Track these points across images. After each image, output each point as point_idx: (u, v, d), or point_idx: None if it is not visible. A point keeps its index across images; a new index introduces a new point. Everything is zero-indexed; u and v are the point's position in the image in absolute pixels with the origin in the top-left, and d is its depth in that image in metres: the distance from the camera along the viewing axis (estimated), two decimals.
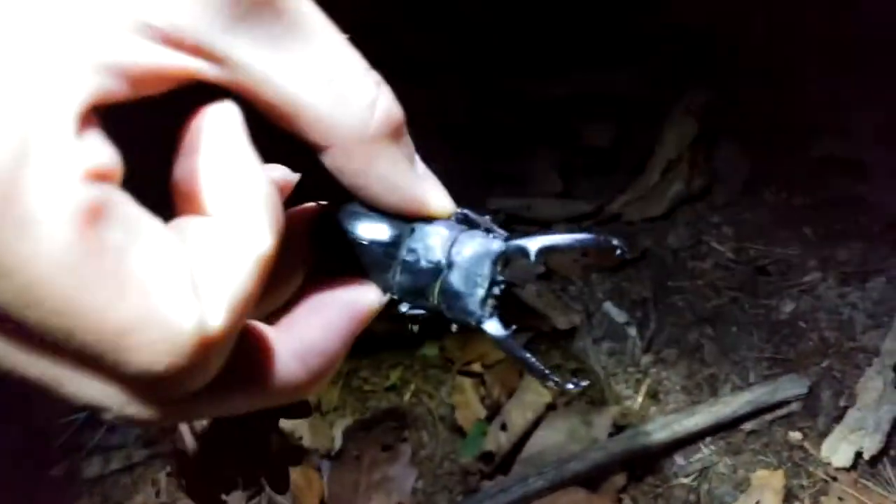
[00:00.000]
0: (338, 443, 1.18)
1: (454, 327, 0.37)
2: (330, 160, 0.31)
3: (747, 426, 1.18)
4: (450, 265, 0.35)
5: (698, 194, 1.49)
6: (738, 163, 1.51)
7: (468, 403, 1.23)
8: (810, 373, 1.22)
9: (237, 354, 0.25)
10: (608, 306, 1.33)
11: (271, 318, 0.31)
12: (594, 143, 1.53)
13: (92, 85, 0.21)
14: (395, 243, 0.35)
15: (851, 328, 1.27)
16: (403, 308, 0.36)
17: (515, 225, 1.42)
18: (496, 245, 0.36)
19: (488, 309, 0.35)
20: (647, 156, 1.51)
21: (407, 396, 1.26)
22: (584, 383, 0.39)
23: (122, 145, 0.22)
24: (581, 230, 0.37)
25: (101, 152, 0.20)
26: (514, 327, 0.36)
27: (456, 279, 0.35)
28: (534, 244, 0.36)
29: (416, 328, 0.37)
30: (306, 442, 1.17)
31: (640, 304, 1.35)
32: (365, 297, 0.33)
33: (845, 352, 1.25)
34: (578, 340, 1.30)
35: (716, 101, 1.51)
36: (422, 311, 0.36)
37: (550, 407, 1.19)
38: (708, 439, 1.18)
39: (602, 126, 1.54)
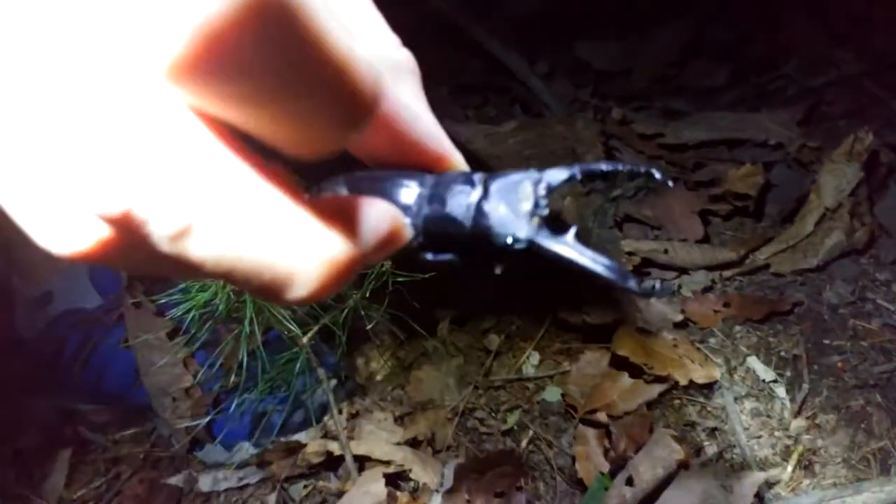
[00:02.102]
0: (448, 482, 1.12)
1: (498, 269, 0.32)
2: (388, 110, 0.30)
3: None
4: (486, 192, 0.31)
5: (861, 248, 1.33)
6: None
7: (590, 455, 1.13)
8: None
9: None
10: (753, 361, 1.20)
11: None
12: (737, 189, 1.42)
13: None
14: (419, 182, 0.32)
15: None
16: (429, 255, 0.33)
17: (650, 269, 1.33)
18: (533, 171, 0.32)
19: (535, 224, 0.30)
20: (798, 204, 1.38)
21: (524, 443, 1.18)
22: (674, 284, 0.32)
23: None
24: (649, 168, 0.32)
25: None
26: (573, 229, 0.30)
27: (496, 202, 0.31)
28: (575, 167, 0.32)
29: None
30: (415, 476, 1.12)
31: (791, 361, 1.20)
32: (392, 207, 0.30)
33: None
34: (718, 397, 1.17)
35: (884, 143, 1.36)
36: (450, 256, 0.33)
37: (683, 465, 1.06)
38: None
39: (746, 171, 1.43)
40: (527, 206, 0.30)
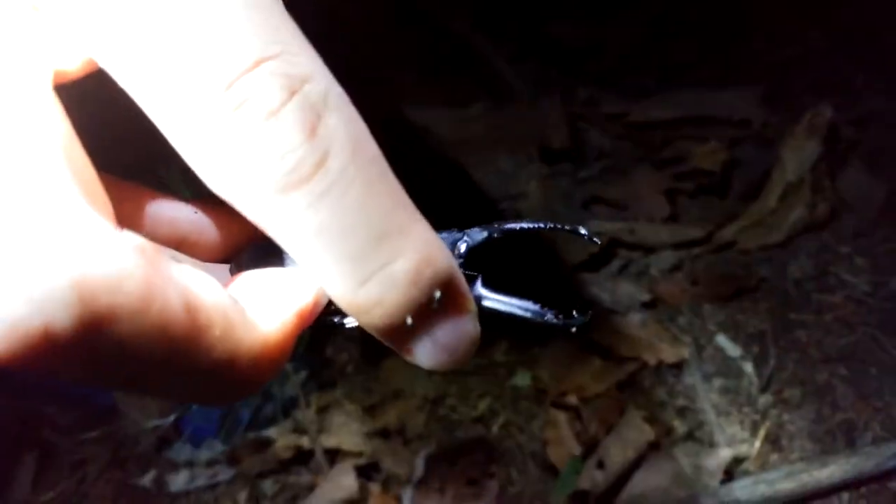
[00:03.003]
0: (419, 471, 1.11)
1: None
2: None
3: (895, 485, 1.02)
4: None
5: (823, 222, 1.34)
6: (870, 187, 1.35)
7: (561, 439, 1.13)
8: None
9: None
10: (721, 339, 1.21)
11: None
12: (703, 166, 1.42)
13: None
14: None
15: None
16: (346, 321, 0.31)
17: (617, 249, 1.32)
18: (455, 232, 0.32)
19: None
20: (762, 180, 1.39)
21: (495, 428, 1.18)
22: (587, 316, 0.31)
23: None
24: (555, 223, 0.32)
25: None
26: (478, 278, 0.30)
27: None
28: (494, 229, 0.33)
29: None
30: (386, 467, 1.11)
31: (758, 337, 1.21)
32: (310, 286, 0.27)
33: None
34: (687, 376, 1.18)
35: (847, 118, 1.37)
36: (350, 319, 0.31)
37: (654, 446, 1.07)
38: (846, 495, 1.02)
39: (711, 148, 1.43)
40: None
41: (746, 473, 1.05)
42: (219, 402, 0.23)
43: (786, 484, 0.99)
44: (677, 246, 1.33)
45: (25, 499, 1.17)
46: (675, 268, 1.31)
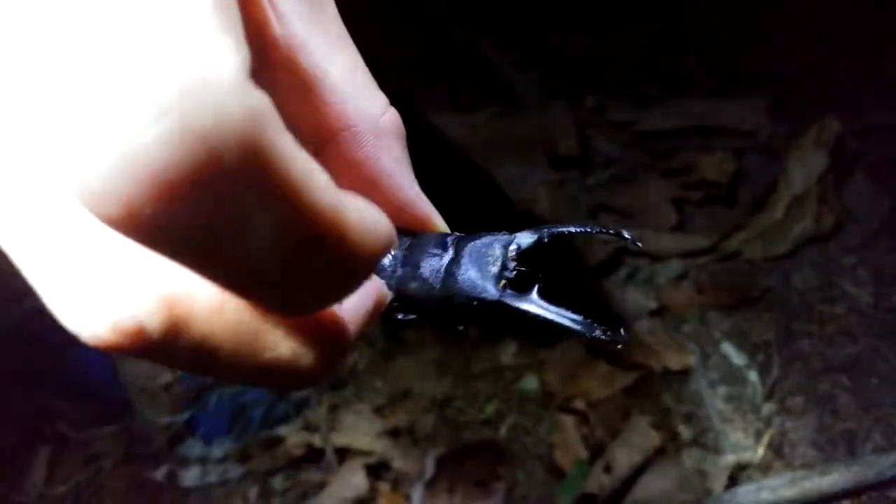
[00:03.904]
0: (429, 471, 1.13)
1: (461, 327, 0.33)
2: (339, 146, 0.30)
3: (895, 494, 1.04)
4: (457, 255, 0.33)
5: (828, 233, 1.36)
6: (874, 199, 1.38)
7: (568, 443, 1.15)
8: None
9: None
10: (726, 347, 1.23)
11: None
12: (710, 176, 1.44)
13: None
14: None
15: None
16: (398, 315, 0.34)
17: (624, 257, 1.35)
18: (504, 235, 0.34)
19: (502, 286, 0.32)
20: (769, 191, 1.41)
21: (503, 431, 1.20)
22: (624, 335, 0.33)
23: None
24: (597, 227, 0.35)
25: None
26: (536, 287, 0.31)
27: (466, 264, 0.32)
28: (543, 229, 0.34)
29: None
30: (396, 466, 1.13)
31: (762, 346, 1.23)
32: (376, 280, 0.30)
33: None
34: (692, 383, 1.20)
35: (850, 131, 1.39)
36: (413, 318, 0.34)
37: (659, 451, 1.09)
38: (846, 503, 1.04)
39: (718, 159, 1.45)
40: (494, 269, 0.32)
41: (750, 480, 1.07)
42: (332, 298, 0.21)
43: (788, 491, 1.01)
44: (684, 255, 1.35)
45: (39, 491, 1.19)
46: (682, 276, 1.33)
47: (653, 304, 1.27)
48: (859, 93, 1.54)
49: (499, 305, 0.31)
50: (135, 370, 1.20)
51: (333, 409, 1.22)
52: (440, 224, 0.34)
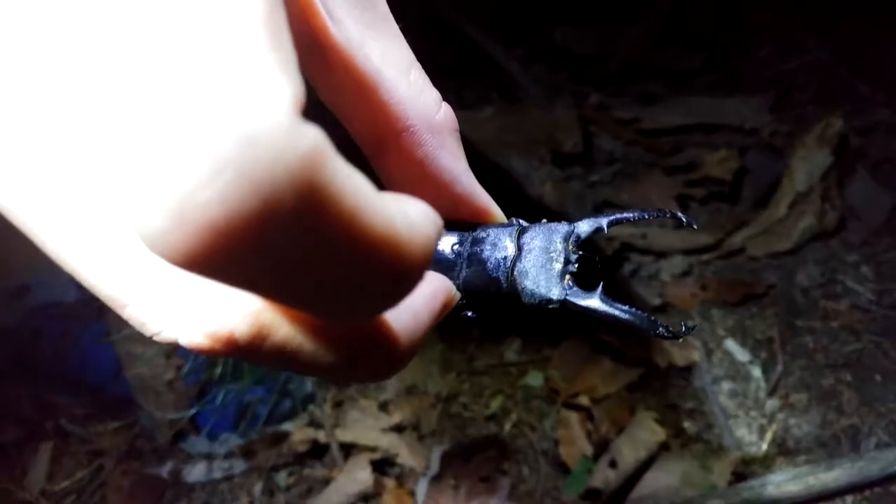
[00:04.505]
0: (434, 467, 1.13)
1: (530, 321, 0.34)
2: (398, 146, 0.31)
3: None
4: (520, 250, 0.34)
5: (832, 230, 1.37)
6: (877, 197, 1.38)
7: (573, 438, 1.16)
8: None
9: None
10: (730, 344, 1.23)
11: None
12: (713, 173, 1.44)
13: None
14: (459, 241, 0.34)
15: None
16: (466, 312, 0.35)
17: (629, 254, 1.35)
18: (564, 225, 0.34)
19: (567, 283, 0.33)
20: (772, 188, 1.41)
21: (508, 427, 1.20)
22: (692, 325, 0.35)
23: None
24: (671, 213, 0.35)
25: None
26: (601, 286, 0.32)
27: (529, 260, 0.33)
28: (603, 217, 0.34)
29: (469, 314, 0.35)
30: (402, 461, 1.13)
31: (766, 343, 1.23)
32: (443, 281, 0.31)
33: None
34: (696, 379, 1.20)
35: (852, 128, 1.40)
36: (487, 313, 0.35)
37: (664, 446, 1.09)
38: (850, 499, 1.05)
39: (722, 156, 1.46)
40: (558, 265, 0.33)
41: (754, 475, 1.07)
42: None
43: (792, 486, 1.02)
44: (688, 252, 1.35)
45: (41, 487, 1.19)
46: (686, 273, 1.33)
47: (656, 301, 1.28)
48: (863, 91, 1.54)
49: (565, 304, 0.32)
50: (139, 367, 1.19)
51: (338, 405, 1.22)
52: (499, 214, 0.35)
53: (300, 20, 0.25)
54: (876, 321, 1.25)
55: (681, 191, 1.43)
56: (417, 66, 0.31)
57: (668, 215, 0.35)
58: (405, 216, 0.19)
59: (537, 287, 0.33)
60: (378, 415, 1.20)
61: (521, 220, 0.36)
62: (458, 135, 0.32)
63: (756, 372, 1.20)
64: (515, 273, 0.33)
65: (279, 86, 0.16)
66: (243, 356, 0.22)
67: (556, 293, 0.32)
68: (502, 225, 0.35)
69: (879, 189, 1.40)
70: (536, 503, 1.12)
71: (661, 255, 1.35)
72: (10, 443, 1.23)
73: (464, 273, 0.34)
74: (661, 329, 0.31)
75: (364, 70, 0.28)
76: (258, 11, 0.16)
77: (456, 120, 0.32)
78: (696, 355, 1.20)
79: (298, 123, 0.16)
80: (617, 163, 1.52)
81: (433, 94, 0.31)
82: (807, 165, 1.38)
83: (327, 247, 0.17)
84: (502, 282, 0.33)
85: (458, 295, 0.32)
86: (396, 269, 0.19)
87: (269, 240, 0.16)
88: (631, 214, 0.34)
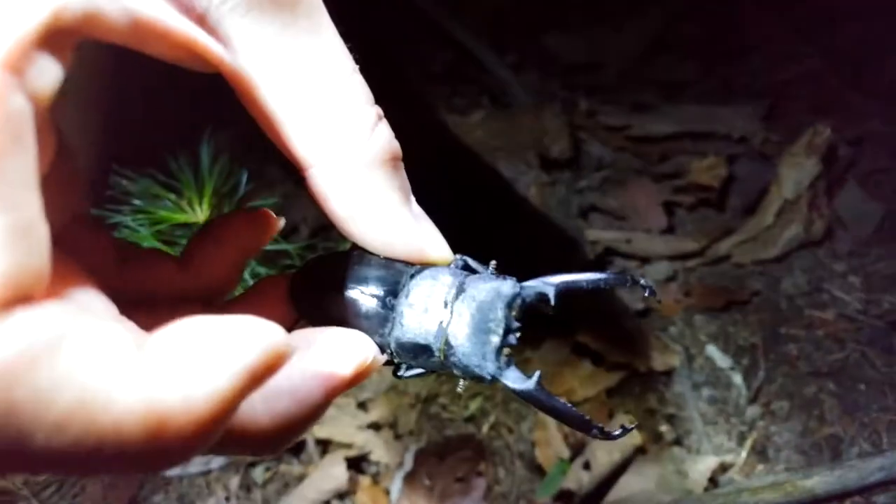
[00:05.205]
0: (408, 465, 1.13)
1: (461, 385, 0.33)
2: (316, 182, 0.28)
3: (880, 499, 1.03)
4: (456, 313, 0.31)
5: (819, 239, 1.36)
6: (866, 207, 1.37)
7: (550, 441, 1.15)
8: None
9: None
10: (711, 350, 1.22)
11: None
12: (701, 181, 1.44)
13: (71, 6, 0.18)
14: (390, 292, 0.31)
15: None
16: (401, 371, 0.33)
17: (613, 258, 1.34)
18: (509, 286, 0.32)
19: (504, 359, 0.31)
20: (759, 196, 1.41)
21: (485, 428, 1.20)
22: (631, 427, 0.34)
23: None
24: (602, 272, 0.33)
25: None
26: (537, 374, 0.31)
27: (464, 328, 0.30)
28: (551, 284, 0.32)
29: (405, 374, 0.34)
30: (376, 458, 1.13)
31: (748, 350, 1.22)
32: (354, 349, 0.28)
33: None
34: (676, 384, 1.19)
35: (844, 138, 1.39)
36: (421, 371, 0.33)
37: (640, 450, 1.08)
38: None
39: (710, 164, 1.45)
40: (495, 338, 0.30)
41: (731, 482, 1.06)
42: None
43: (769, 494, 1.00)
44: (672, 257, 1.35)
45: (24, 477, 1.19)
46: (670, 279, 1.33)
47: (639, 305, 1.27)
48: (855, 101, 1.54)
49: (496, 383, 0.31)
50: None
51: None
52: (436, 255, 0.32)
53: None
54: (862, 330, 1.24)
55: (668, 197, 1.43)
56: (350, 79, 0.27)
57: (627, 284, 0.33)
58: (177, 384, 0.17)
59: (470, 361, 0.30)
60: (356, 413, 1.20)
61: (467, 260, 0.33)
62: (394, 164, 0.29)
63: (737, 379, 1.19)
64: (449, 340, 0.31)
65: None
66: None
67: (489, 370, 0.30)
68: (440, 271, 0.32)
69: (869, 199, 1.39)
70: None
71: (645, 260, 1.34)
72: None
73: (394, 331, 0.31)
74: (594, 430, 0.31)
75: (261, 102, 0.25)
76: None
77: (394, 147, 0.29)
78: (677, 360, 1.19)
79: None
80: (605, 169, 1.52)
81: (364, 117, 0.27)
82: (795, 173, 1.37)
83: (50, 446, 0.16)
84: (433, 349, 0.31)
85: (379, 359, 0.30)
86: (155, 448, 0.17)
87: None
88: (584, 279, 0.32)
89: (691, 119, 1.54)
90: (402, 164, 0.30)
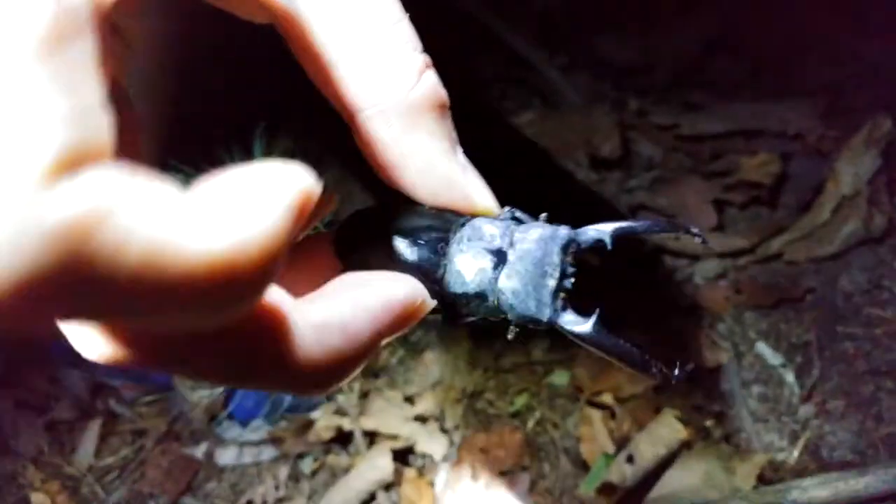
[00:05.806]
0: (453, 458, 1.14)
1: (511, 333, 0.31)
2: (364, 127, 0.28)
3: None
4: (510, 258, 0.30)
5: (879, 236, 1.31)
6: None
7: (595, 437, 1.14)
8: None
9: (246, 319, 0.22)
10: (761, 347, 1.20)
11: None
12: (753, 178, 1.41)
13: None
14: (440, 239, 0.30)
15: None
16: (458, 318, 0.32)
17: (662, 255, 1.33)
18: (563, 231, 0.30)
19: (560, 303, 0.30)
20: (814, 193, 1.37)
21: (531, 424, 1.20)
22: (691, 366, 0.32)
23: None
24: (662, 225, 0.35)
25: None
26: (595, 315, 0.29)
27: (520, 272, 0.29)
28: (607, 230, 0.31)
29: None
30: (421, 449, 1.14)
31: (801, 348, 1.19)
32: (404, 289, 0.27)
33: None
34: (725, 382, 1.17)
35: None
36: (473, 318, 0.32)
37: (687, 445, 1.07)
38: None
39: (762, 160, 1.42)
40: (551, 281, 0.29)
41: (782, 480, 1.03)
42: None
43: (819, 491, 0.97)
44: (722, 255, 1.32)
45: (89, 463, 1.27)
46: (720, 276, 1.31)
47: (688, 302, 1.25)
48: None
49: (553, 326, 0.30)
50: None
51: (364, 395, 1.25)
52: (483, 205, 0.31)
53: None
54: None
55: (718, 195, 1.40)
56: (398, 25, 0.28)
57: (683, 232, 0.33)
58: (231, 228, 0.18)
59: (525, 304, 0.29)
60: (403, 405, 1.23)
61: (515, 212, 0.33)
62: (441, 111, 0.29)
63: (789, 377, 1.16)
64: (501, 284, 0.30)
65: (40, 139, 0.14)
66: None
67: (545, 314, 0.29)
68: (492, 219, 0.31)
69: None
70: (555, 499, 1.11)
71: (695, 258, 1.33)
72: (64, 421, 1.31)
73: (446, 277, 0.30)
74: (654, 369, 0.30)
75: (315, 44, 0.26)
76: (34, 41, 0.15)
77: (439, 94, 0.29)
78: (725, 357, 1.17)
79: (53, 188, 0.15)
80: (655, 168, 1.50)
81: (411, 63, 0.28)
82: (853, 168, 1.33)
83: (125, 293, 0.16)
84: (487, 294, 0.30)
85: (429, 303, 0.29)
86: (226, 290, 0.18)
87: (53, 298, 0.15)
88: (638, 225, 0.32)
89: (744, 117, 1.51)
90: (449, 113, 0.29)
